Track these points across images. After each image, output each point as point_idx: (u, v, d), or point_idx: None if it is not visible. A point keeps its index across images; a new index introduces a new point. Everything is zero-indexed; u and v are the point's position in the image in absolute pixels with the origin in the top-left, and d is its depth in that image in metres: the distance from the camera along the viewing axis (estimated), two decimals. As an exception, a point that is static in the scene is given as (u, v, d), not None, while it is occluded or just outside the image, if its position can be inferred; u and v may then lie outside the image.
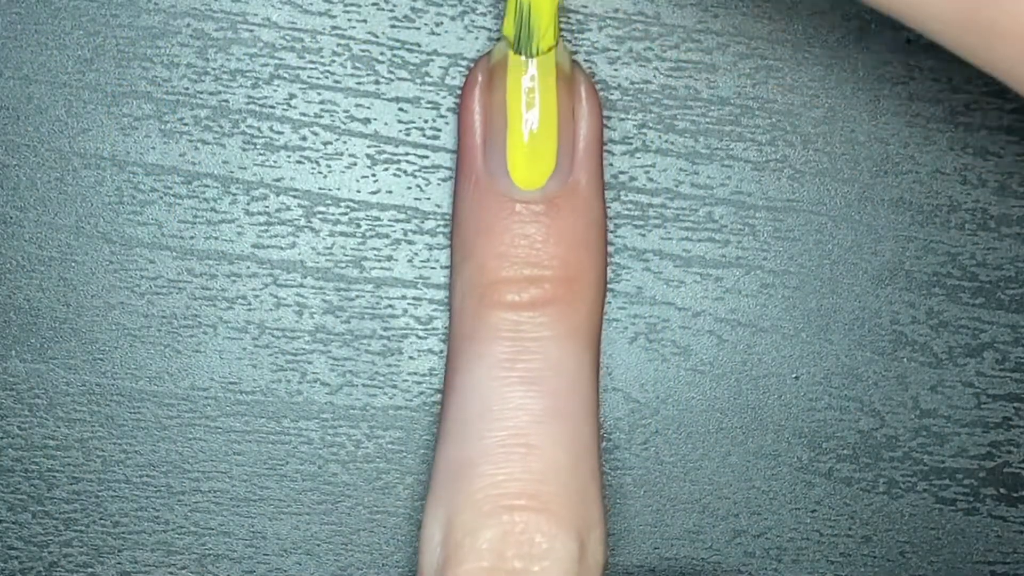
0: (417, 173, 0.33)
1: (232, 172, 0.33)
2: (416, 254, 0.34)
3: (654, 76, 0.33)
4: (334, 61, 0.33)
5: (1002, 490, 0.35)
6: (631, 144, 0.33)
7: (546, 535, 0.29)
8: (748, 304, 0.34)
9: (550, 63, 0.30)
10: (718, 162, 0.34)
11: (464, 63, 0.33)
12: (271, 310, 0.34)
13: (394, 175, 0.33)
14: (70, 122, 0.33)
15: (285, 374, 0.34)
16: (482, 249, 0.31)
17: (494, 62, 0.31)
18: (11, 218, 0.33)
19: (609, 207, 0.33)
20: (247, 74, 0.33)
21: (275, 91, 0.33)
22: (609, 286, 0.34)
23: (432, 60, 0.33)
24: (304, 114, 0.33)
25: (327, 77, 0.33)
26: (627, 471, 0.34)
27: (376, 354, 0.34)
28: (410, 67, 0.33)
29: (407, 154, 0.33)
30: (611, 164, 0.33)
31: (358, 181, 0.33)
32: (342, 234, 0.33)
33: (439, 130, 0.33)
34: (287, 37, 0.33)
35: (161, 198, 0.33)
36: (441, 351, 0.34)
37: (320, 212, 0.33)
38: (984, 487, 0.35)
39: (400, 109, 0.33)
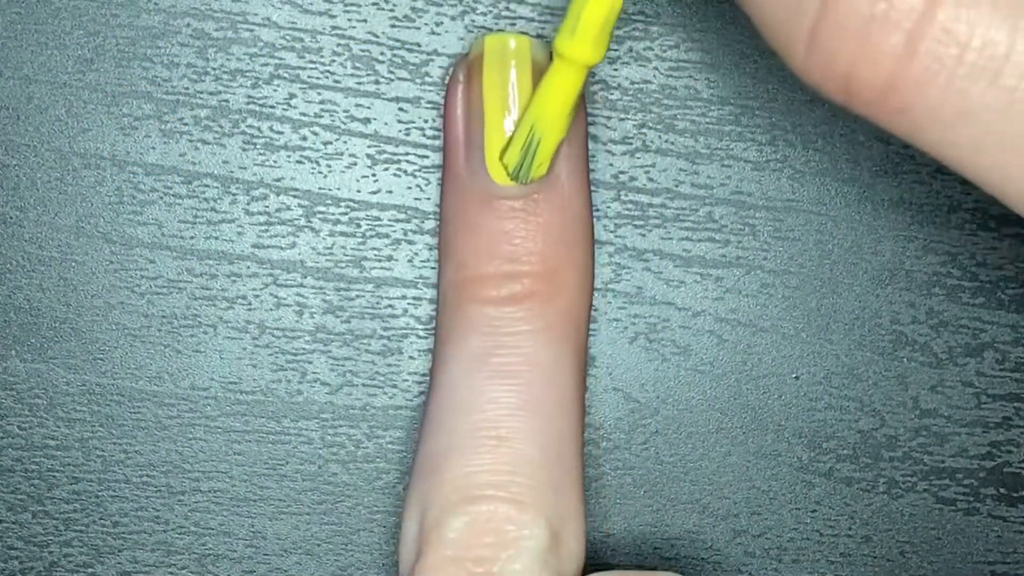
0: (417, 173, 0.33)
1: (232, 172, 0.33)
2: (416, 254, 0.34)
3: (654, 76, 0.33)
4: (334, 61, 0.33)
5: (1002, 490, 0.35)
6: (631, 144, 0.33)
7: (515, 523, 0.29)
8: (748, 304, 0.34)
9: (527, 60, 0.30)
10: (718, 162, 0.34)
11: (464, 63, 0.33)
12: (271, 310, 0.34)
13: (394, 175, 0.33)
14: (70, 122, 0.33)
15: (285, 374, 0.34)
16: (463, 245, 0.31)
17: (471, 59, 0.31)
18: (11, 218, 0.33)
19: (609, 207, 0.33)
20: (247, 74, 0.33)
21: (275, 91, 0.33)
22: (609, 286, 0.34)
23: (432, 60, 0.33)
24: (304, 114, 0.33)
25: (327, 77, 0.33)
26: (627, 471, 0.34)
27: (376, 354, 0.34)
28: (410, 67, 0.33)
29: (407, 154, 0.33)
30: (611, 164, 0.33)
31: (358, 181, 0.33)
32: (342, 234, 0.33)
33: (439, 130, 0.33)
34: (287, 37, 0.33)
35: (161, 198, 0.33)
36: (441, 351, 0.34)
37: (320, 212, 0.33)
38: (984, 487, 0.35)
39: (400, 109, 0.33)
